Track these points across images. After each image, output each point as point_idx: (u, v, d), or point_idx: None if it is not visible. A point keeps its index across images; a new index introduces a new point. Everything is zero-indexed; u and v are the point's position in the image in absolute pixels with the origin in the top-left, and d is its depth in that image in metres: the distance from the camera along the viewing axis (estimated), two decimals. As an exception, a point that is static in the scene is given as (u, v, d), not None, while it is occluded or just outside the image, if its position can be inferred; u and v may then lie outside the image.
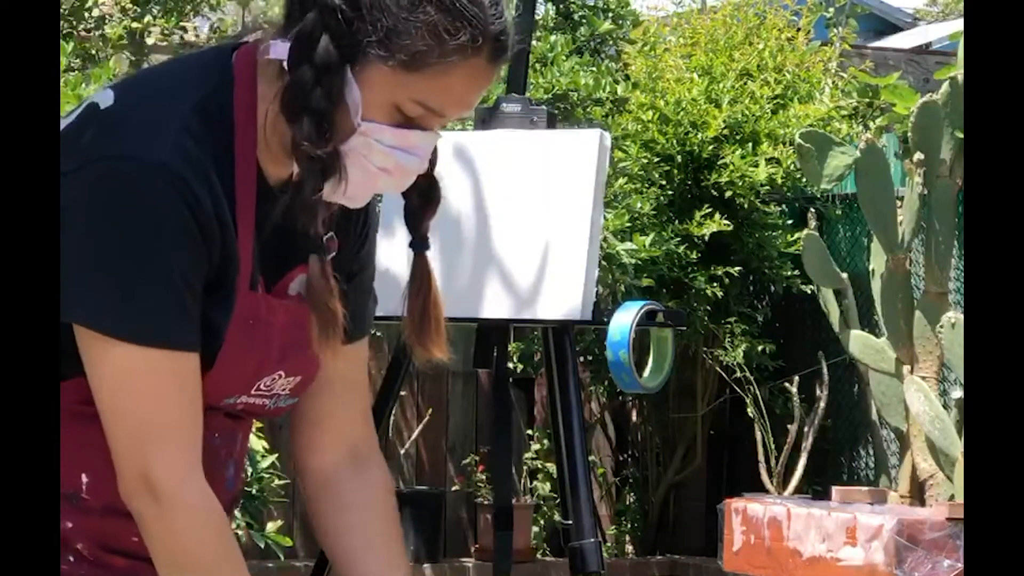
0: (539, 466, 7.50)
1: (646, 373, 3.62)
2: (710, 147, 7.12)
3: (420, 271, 1.96)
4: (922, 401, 5.28)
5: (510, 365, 5.46)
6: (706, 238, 7.01)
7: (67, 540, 1.88)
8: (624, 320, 3.42)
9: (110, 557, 1.90)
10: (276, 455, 5.40)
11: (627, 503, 7.83)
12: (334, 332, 1.85)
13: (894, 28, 18.70)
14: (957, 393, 5.40)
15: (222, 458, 1.96)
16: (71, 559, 1.88)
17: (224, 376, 1.88)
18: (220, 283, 1.84)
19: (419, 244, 1.96)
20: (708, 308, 7.14)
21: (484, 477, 7.35)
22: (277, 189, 1.88)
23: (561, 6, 7.62)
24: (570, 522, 3.38)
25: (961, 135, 5.40)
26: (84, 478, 1.87)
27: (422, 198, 1.96)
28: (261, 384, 1.93)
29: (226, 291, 1.84)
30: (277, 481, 5.47)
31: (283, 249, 1.91)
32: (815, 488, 6.53)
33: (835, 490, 5.44)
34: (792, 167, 7.09)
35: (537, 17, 7.23)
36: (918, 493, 5.55)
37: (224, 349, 1.86)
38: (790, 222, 7.34)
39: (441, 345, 1.97)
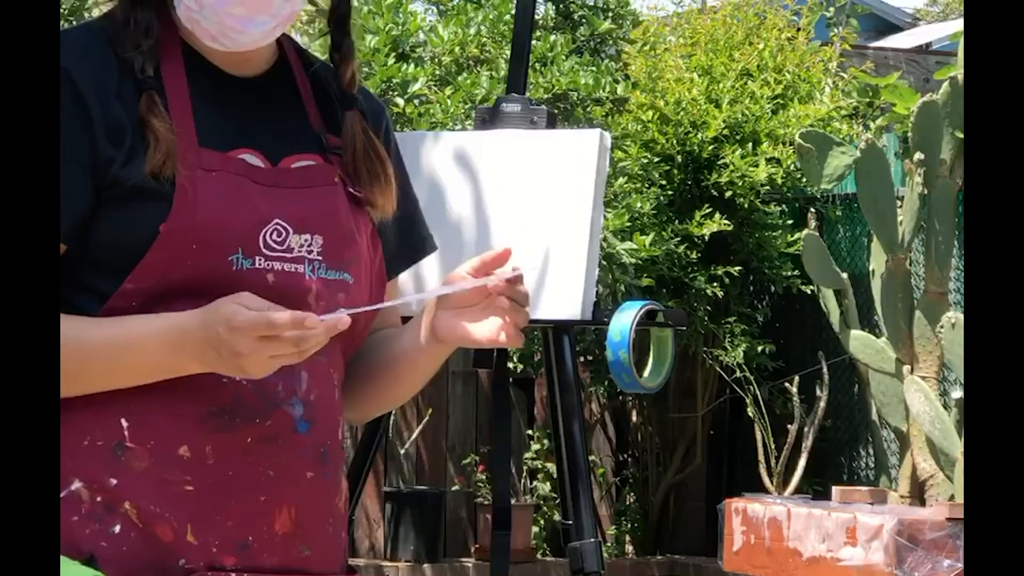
0: (539, 466, 7.50)
1: (646, 373, 3.62)
2: (710, 147, 7.12)
3: (350, 129, 2.05)
4: (922, 401, 5.28)
5: (510, 365, 5.46)
6: (706, 238, 7.01)
7: (114, 501, 1.86)
8: (624, 320, 3.43)
9: (159, 525, 1.87)
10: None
11: (627, 503, 7.83)
12: None
13: (894, 28, 18.70)
14: (957, 393, 5.39)
15: (280, 393, 1.91)
16: (117, 529, 1.86)
17: (202, 222, 1.88)
18: (119, 144, 1.89)
19: (347, 101, 2.06)
20: (708, 308, 7.15)
21: (484, 477, 7.35)
22: (238, 76, 2.00)
23: (561, 6, 7.62)
24: (570, 522, 3.38)
25: (961, 135, 5.40)
26: (124, 422, 1.87)
27: (340, 54, 2.07)
28: (266, 237, 1.92)
29: (129, 148, 1.89)
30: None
31: (285, 136, 2.00)
32: (815, 488, 6.53)
33: (835, 490, 5.44)
34: (792, 167, 7.09)
35: (537, 17, 7.23)
36: (918, 493, 5.55)
37: (185, 197, 1.88)
38: (790, 222, 7.35)
39: (385, 199, 2.04)
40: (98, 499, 1.86)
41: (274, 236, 1.93)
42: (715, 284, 7.04)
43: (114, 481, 1.87)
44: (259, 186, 1.94)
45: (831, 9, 8.70)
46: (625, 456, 7.95)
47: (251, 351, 1.80)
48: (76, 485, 1.86)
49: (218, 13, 1.92)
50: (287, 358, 1.82)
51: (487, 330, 1.95)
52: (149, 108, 1.91)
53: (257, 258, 1.91)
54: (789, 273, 7.13)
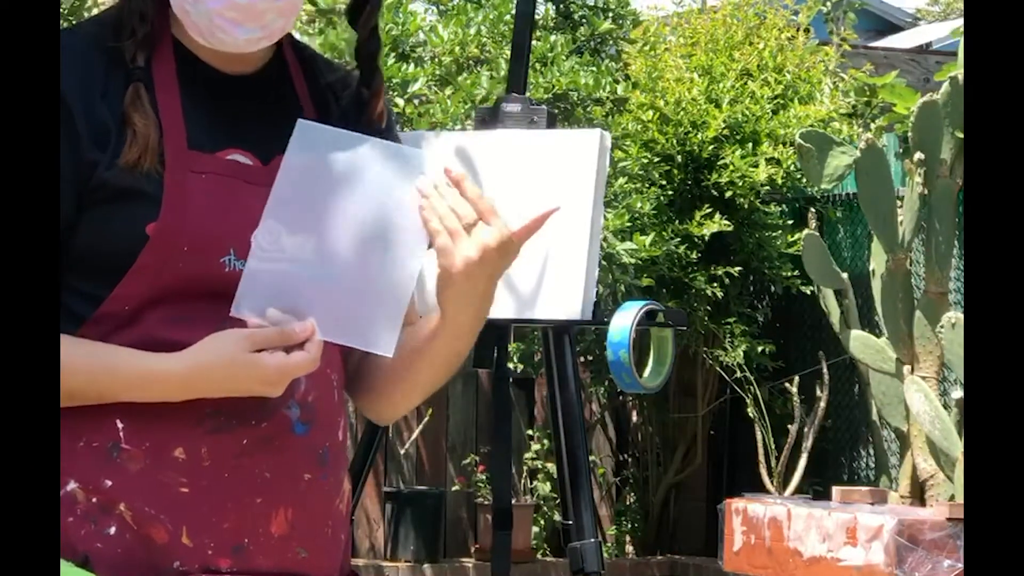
0: (539, 466, 7.50)
1: (646, 373, 3.62)
2: (710, 147, 7.12)
3: None
4: (922, 401, 5.28)
5: (510, 365, 5.46)
6: (706, 238, 7.01)
7: (109, 502, 1.86)
8: (624, 320, 3.43)
9: (154, 527, 1.86)
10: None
11: (627, 503, 7.83)
12: None
13: (894, 28, 18.71)
14: (957, 393, 5.39)
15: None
16: (112, 530, 1.86)
17: (193, 224, 1.88)
18: (103, 146, 1.88)
19: (375, 129, 2.02)
20: (708, 308, 7.15)
21: (484, 477, 7.35)
22: (230, 75, 1.98)
23: (561, 6, 7.62)
24: (570, 522, 3.38)
25: (961, 135, 5.40)
26: (119, 424, 1.87)
27: (368, 88, 2.06)
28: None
29: (113, 151, 1.88)
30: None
31: (278, 134, 1.97)
32: (815, 488, 6.53)
33: (835, 490, 5.44)
34: (792, 167, 7.09)
35: (537, 17, 7.23)
36: (918, 493, 5.55)
37: (174, 199, 1.87)
38: (790, 222, 7.35)
39: None
40: (93, 500, 1.86)
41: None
42: (715, 284, 7.04)
43: (109, 482, 1.86)
44: (251, 186, 1.93)
45: (828, 4, 8.70)
46: (625, 456, 7.95)
47: (276, 389, 1.87)
48: (71, 486, 1.86)
49: (210, 13, 1.91)
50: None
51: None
52: (132, 101, 1.90)
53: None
54: (789, 273, 7.13)
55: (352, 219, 1.90)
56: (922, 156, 5.47)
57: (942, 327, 5.20)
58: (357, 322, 1.88)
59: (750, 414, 6.93)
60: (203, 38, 1.94)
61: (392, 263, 1.89)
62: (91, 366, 1.85)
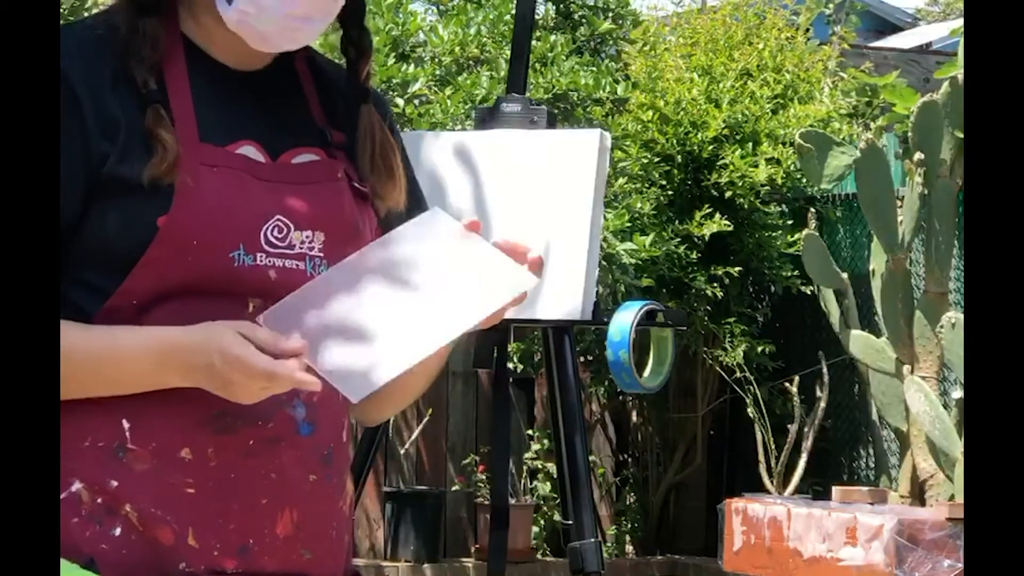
0: (539, 466, 7.50)
1: (646, 373, 3.63)
2: (710, 147, 7.12)
3: (367, 122, 2.04)
4: (922, 401, 5.28)
5: (510, 365, 5.46)
6: (706, 238, 7.01)
7: (114, 503, 1.85)
8: (624, 320, 3.43)
9: (160, 528, 1.86)
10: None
11: (627, 503, 7.83)
12: None
13: (894, 28, 18.71)
14: (957, 393, 5.39)
15: (282, 395, 1.89)
16: (118, 531, 1.85)
17: (203, 218, 1.87)
18: (113, 139, 1.88)
19: (362, 95, 2.05)
20: (708, 308, 7.15)
21: (484, 477, 7.35)
22: (238, 70, 1.99)
23: (561, 6, 7.62)
24: (570, 522, 3.39)
25: (961, 135, 5.39)
26: (126, 424, 1.86)
27: (357, 49, 2.07)
28: (268, 233, 1.92)
29: (123, 144, 1.88)
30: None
31: (286, 129, 1.99)
32: (815, 488, 6.53)
33: (835, 490, 5.44)
34: (792, 167, 7.09)
35: (537, 17, 7.23)
36: (918, 493, 5.55)
37: (185, 192, 1.87)
38: (790, 222, 7.35)
39: (397, 192, 2.05)
40: (99, 501, 1.86)
41: (275, 232, 1.92)
42: (715, 284, 7.04)
43: (115, 483, 1.86)
44: (260, 182, 1.93)
45: (830, 5, 8.70)
46: (625, 456, 7.95)
47: (242, 384, 1.81)
48: (77, 486, 1.86)
49: (280, 15, 1.92)
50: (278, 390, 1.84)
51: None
52: (157, 121, 1.89)
53: (258, 255, 1.90)
54: (789, 273, 7.13)
55: (411, 293, 1.89)
56: (922, 156, 5.47)
57: (942, 327, 5.20)
58: (347, 367, 1.85)
59: (750, 414, 6.92)
60: (268, 43, 1.95)
61: (414, 337, 1.87)
62: (73, 345, 1.83)
